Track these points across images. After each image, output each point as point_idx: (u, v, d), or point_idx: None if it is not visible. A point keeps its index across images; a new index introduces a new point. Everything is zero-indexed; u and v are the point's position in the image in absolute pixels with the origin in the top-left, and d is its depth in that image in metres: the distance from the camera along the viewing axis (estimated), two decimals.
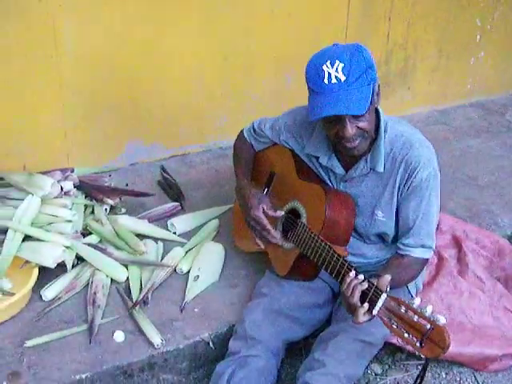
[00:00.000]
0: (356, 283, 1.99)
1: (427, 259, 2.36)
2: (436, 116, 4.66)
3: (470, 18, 4.54)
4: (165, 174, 3.54)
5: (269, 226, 2.40)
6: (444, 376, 2.62)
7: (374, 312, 1.93)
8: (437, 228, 3.08)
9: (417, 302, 1.86)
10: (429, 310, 1.82)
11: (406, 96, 4.54)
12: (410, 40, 4.29)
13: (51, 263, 2.55)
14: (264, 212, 2.40)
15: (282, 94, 3.85)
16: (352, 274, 2.02)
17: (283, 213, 2.42)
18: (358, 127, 2.08)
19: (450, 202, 3.49)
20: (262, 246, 2.48)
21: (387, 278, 1.97)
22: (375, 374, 2.60)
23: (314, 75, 2.04)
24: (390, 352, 2.67)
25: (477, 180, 3.78)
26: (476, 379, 2.60)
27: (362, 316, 1.96)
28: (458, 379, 2.61)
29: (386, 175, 2.26)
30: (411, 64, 4.41)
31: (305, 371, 2.22)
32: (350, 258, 2.34)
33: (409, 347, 2.54)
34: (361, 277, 2.00)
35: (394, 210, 2.30)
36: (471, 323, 2.72)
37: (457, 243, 3.09)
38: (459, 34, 4.52)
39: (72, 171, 3.04)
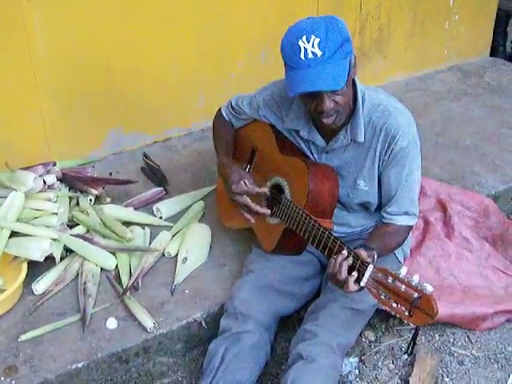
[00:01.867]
0: (341, 259, 2.01)
1: (411, 226, 2.38)
2: (415, 82, 4.67)
3: None
4: (147, 161, 3.54)
5: (249, 201, 2.40)
6: (438, 338, 2.66)
7: (362, 284, 1.95)
8: (421, 192, 3.13)
9: (403, 271, 1.87)
10: (415, 279, 1.84)
11: (383, 64, 4.53)
12: (383, 8, 4.28)
13: (39, 256, 2.55)
14: (247, 187, 2.39)
15: (258, 71, 3.84)
16: (337, 249, 2.05)
17: (267, 189, 2.42)
18: (336, 101, 2.08)
19: (434, 166, 3.51)
20: (253, 220, 2.47)
21: (366, 254, 2.02)
22: (369, 342, 2.64)
23: (289, 51, 2.02)
24: (382, 318, 2.71)
25: (459, 143, 3.80)
26: (469, 339, 2.65)
27: (353, 285, 1.97)
28: (452, 340, 2.65)
29: (366, 145, 2.27)
30: (386, 32, 4.41)
31: (297, 343, 2.24)
32: (335, 228, 2.36)
33: (399, 316, 2.58)
34: (344, 252, 2.02)
35: (376, 179, 2.32)
36: (461, 284, 2.76)
37: (442, 206, 3.11)
38: None
39: (54, 165, 3.03)
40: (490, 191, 3.30)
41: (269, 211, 2.40)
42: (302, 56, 1.98)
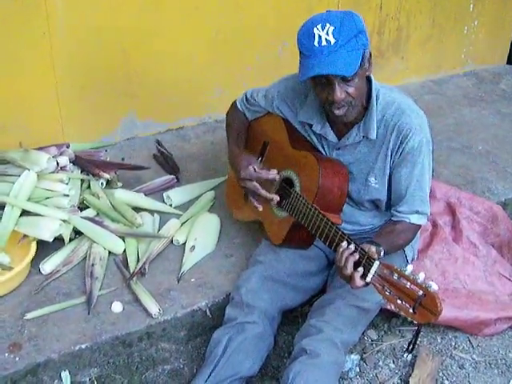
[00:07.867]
0: (348, 254, 2.01)
1: (420, 225, 2.38)
2: (430, 85, 4.68)
3: None
4: (160, 148, 3.55)
5: (258, 186, 2.38)
6: (439, 341, 2.66)
7: (368, 279, 1.95)
8: (430, 195, 3.13)
9: (409, 269, 1.88)
10: (421, 276, 1.84)
11: (399, 66, 4.54)
12: (403, 10, 4.29)
13: (48, 237, 2.57)
14: (255, 172, 2.39)
15: (274, 66, 3.84)
16: (344, 244, 2.04)
17: (275, 172, 2.39)
18: (347, 93, 2.09)
19: (445, 170, 3.52)
20: (260, 208, 2.47)
21: (374, 249, 2.00)
22: (371, 340, 2.64)
23: (305, 38, 2.05)
24: (385, 318, 2.72)
25: (471, 148, 3.81)
26: (471, 343, 2.65)
27: (359, 280, 1.97)
28: (453, 343, 2.65)
29: (378, 142, 2.27)
30: (404, 34, 4.41)
31: (301, 337, 2.25)
32: (344, 226, 2.37)
33: (402, 313, 2.59)
34: (352, 247, 2.01)
35: (387, 177, 2.32)
36: (466, 288, 2.76)
37: (451, 210, 3.11)
38: (452, 3, 4.51)
39: (67, 146, 3.04)
40: (499, 198, 3.30)
41: (277, 197, 2.39)
42: (316, 43, 2.01)
